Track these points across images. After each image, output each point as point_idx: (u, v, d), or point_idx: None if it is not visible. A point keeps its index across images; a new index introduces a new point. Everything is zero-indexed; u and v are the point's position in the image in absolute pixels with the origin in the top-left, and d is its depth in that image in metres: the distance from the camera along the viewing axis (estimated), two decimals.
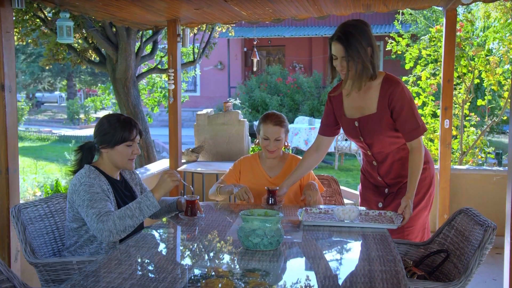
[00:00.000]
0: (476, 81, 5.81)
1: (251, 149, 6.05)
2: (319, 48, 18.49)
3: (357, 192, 6.13)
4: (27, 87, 28.52)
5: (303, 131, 10.55)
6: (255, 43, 7.85)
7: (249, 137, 6.14)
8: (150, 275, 1.93)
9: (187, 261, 2.13)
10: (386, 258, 2.08)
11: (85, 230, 2.57)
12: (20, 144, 14.99)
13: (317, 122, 11.38)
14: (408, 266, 2.51)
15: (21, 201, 3.54)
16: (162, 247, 2.26)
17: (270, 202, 2.91)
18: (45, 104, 32.67)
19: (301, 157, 3.21)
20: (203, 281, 1.85)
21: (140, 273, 1.94)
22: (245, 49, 19.19)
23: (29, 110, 23.24)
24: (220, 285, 1.78)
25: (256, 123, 2.99)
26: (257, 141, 3.27)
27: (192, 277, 1.88)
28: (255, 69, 8.29)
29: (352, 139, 2.98)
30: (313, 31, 17.24)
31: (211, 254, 2.17)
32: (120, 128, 2.62)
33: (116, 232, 2.36)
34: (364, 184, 3.10)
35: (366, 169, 3.06)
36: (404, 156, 2.84)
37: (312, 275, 1.93)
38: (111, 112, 9.88)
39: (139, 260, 2.14)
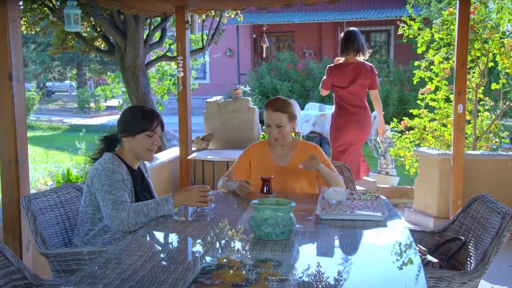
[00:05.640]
0: (490, 64, 5.69)
1: (261, 136, 6.00)
2: (329, 34, 18.29)
3: (369, 179, 6.11)
4: (37, 76, 28.59)
5: (313, 118, 10.42)
6: (264, 29, 7.75)
7: (259, 124, 6.09)
8: (162, 264, 1.90)
9: (198, 252, 2.11)
10: (401, 246, 2.04)
11: (99, 218, 2.58)
12: (31, 134, 15.07)
13: (328, 109, 11.24)
14: (422, 254, 2.47)
15: (33, 191, 3.53)
16: (172, 237, 2.24)
17: (264, 191, 2.87)
18: (55, 93, 32.74)
19: (312, 143, 3.17)
20: (215, 270, 1.82)
21: (151, 263, 1.91)
22: (254, 36, 19.05)
23: (40, 99, 23.32)
24: (231, 275, 1.75)
25: None
26: (264, 127, 3.24)
27: (204, 267, 1.85)
28: (264, 55, 8.22)
29: None
30: (322, 16, 17.04)
31: (223, 243, 2.14)
32: (142, 118, 2.70)
33: (127, 224, 2.40)
34: None
35: None
36: None
37: (325, 264, 1.89)
38: (120, 100, 9.86)
39: (150, 250, 2.12)
